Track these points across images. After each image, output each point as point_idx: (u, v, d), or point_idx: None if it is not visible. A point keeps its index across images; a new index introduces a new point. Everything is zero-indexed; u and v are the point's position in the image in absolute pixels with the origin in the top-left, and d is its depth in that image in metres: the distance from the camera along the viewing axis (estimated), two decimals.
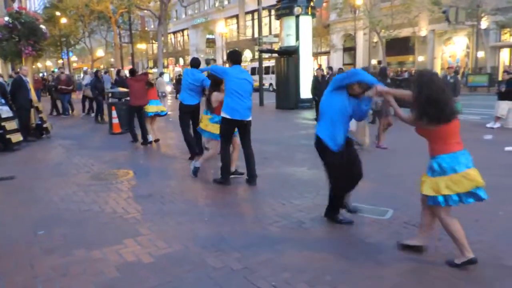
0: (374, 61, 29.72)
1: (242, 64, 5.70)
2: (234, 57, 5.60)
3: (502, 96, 10.21)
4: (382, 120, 7.95)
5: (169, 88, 22.31)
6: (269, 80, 29.37)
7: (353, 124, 6.61)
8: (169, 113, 11.75)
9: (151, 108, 8.93)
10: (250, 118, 5.52)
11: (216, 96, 5.90)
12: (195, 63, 7.33)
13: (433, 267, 3.24)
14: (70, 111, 15.92)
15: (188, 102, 7.15)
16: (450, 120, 3.12)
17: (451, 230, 3.21)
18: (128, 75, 10.30)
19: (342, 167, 3.90)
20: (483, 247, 3.57)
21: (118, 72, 14.44)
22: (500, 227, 4.01)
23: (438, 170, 3.16)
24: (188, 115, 7.34)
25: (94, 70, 20.30)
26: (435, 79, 3.18)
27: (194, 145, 7.40)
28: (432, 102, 3.07)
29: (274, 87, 20.72)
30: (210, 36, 45.41)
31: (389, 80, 8.28)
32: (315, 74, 12.79)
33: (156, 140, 9.10)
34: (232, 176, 5.86)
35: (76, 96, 20.63)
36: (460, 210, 4.41)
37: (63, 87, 15.10)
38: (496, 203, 4.67)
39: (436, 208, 3.23)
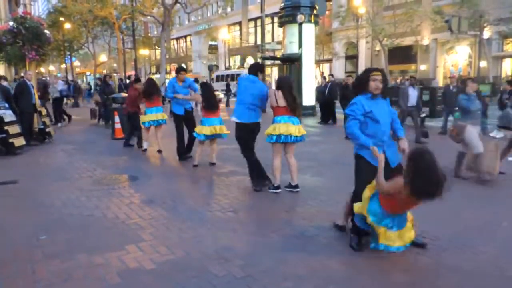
0: None
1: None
2: (252, 69, 5.87)
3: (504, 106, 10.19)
4: None
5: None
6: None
7: (478, 145, 5.87)
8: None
9: (145, 118, 8.53)
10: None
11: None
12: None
13: (438, 277, 3.22)
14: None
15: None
16: (434, 197, 2.99)
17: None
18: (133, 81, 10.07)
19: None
20: (487, 258, 3.55)
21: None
22: (504, 238, 3.99)
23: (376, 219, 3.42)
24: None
25: (88, 76, 19.98)
26: (427, 155, 3.02)
27: None
28: (422, 174, 2.94)
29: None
30: (213, 43, 45.60)
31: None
32: (346, 81, 11.95)
33: (159, 151, 8.72)
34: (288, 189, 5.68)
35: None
36: (465, 219, 4.41)
37: None
38: (500, 213, 4.66)
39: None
